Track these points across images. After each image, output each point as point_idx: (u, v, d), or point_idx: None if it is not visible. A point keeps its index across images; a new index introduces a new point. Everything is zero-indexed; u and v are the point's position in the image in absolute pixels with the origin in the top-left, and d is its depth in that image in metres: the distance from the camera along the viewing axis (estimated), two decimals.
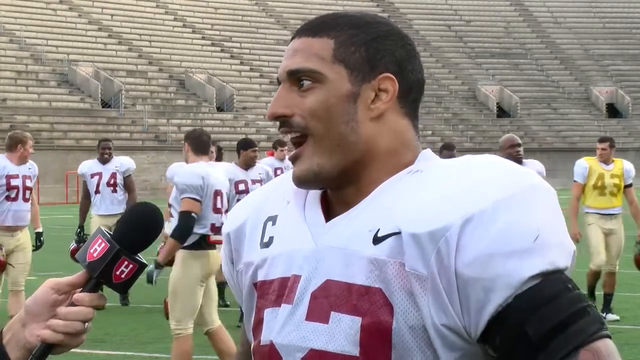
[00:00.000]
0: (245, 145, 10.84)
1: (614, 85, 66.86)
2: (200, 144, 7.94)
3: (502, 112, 63.33)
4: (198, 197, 7.68)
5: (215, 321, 7.98)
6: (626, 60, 69.77)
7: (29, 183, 10.16)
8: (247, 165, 10.76)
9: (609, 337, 1.59)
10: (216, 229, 7.86)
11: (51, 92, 50.42)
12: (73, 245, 12.13)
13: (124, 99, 50.94)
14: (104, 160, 12.81)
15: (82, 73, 51.59)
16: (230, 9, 64.14)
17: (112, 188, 12.72)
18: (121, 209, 12.60)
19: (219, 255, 7.96)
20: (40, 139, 45.98)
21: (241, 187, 10.56)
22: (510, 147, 9.94)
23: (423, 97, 1.81)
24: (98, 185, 12.58)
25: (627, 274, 15.52)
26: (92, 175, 12.70)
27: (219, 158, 12.79)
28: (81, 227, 12.37)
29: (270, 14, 65.41)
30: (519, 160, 9.54)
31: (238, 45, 60.69)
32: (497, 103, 63.51)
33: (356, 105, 1.71)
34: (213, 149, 9.74)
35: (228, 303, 11.95)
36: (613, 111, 65.92)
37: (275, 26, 63.89)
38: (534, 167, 9.96)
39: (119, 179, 12.78)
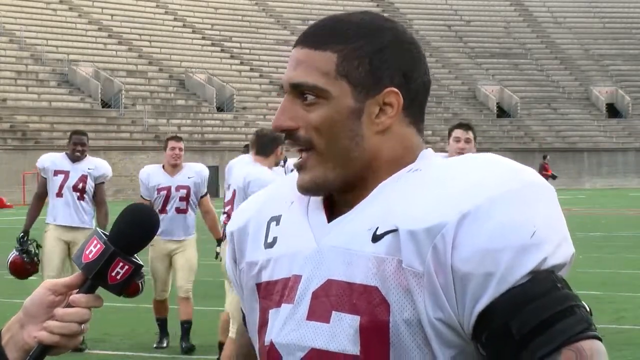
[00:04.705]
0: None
1: (614, 85, 66.87)
2: (264, 146, 7.97)
3: (502, 112, 63.35)
4: None
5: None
6: (626, 60, 69.78)
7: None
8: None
9: (597, 338, 1.58)
10: None
11: (51, 92, 50.44)
12: (14, 254, 9.61)
13: (124, 99, 50.96)
14: (74, 158, 9.88)
15: (82, 73, 51.61)
16: (230, 9, 64.15)
17: (78, 194, 9.81)
18: (85, 223, 9.82)
19: None
20: (40, 139, 46.03)
21: None
22: None
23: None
24: (61, 187, 9.62)
25: (627, 274, 15.51)
26: (56, 173, 9.74)
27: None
28: (26, 232, 9.66)
29: (270, 14, 65.41)
30: None
31: (238, 45, 60.70)
32: (497, 103, 63.53)
33: (360, 120, 1.69)
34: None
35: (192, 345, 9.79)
36: (613, 111, 65.94)
37: (275, 26, 63.89)
38: None
39: (90, 185, 9.86)
